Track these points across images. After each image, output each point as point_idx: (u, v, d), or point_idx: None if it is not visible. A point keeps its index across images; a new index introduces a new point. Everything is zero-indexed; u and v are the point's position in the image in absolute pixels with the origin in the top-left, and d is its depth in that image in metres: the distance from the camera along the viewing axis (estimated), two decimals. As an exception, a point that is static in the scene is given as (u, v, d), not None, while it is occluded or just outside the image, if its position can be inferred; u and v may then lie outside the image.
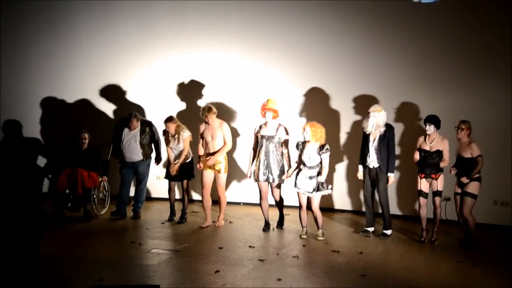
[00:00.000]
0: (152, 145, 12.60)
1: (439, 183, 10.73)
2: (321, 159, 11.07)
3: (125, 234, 11.46)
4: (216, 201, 12.20)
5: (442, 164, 10.68)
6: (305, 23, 12.93)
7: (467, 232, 10.75)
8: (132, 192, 12.82)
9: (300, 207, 11.34)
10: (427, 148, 10.71)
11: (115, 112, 13.88)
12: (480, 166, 10.53)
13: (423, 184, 10.83)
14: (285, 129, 11.62)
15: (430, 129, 10.69)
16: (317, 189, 11.08)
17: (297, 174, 11.22)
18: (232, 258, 10.05)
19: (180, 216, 12.38)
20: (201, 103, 13.28)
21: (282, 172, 11.56)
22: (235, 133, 13.03)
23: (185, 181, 12.36)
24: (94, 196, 12.59)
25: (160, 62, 13.74)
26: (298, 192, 11.25)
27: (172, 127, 12.12)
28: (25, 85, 14.27)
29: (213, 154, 11.82)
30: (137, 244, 10.72)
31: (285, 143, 11.60)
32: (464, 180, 10.55)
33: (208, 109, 11.82)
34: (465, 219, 10.66)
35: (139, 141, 12.40)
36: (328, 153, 11.09)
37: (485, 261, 10.07)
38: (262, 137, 11.60)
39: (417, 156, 10.86)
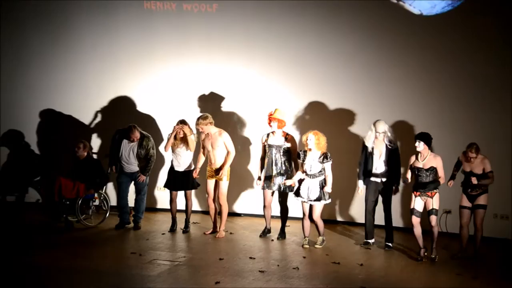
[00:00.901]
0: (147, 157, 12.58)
1: (434, 201, 10.61)
2: (323, 168, 11.12)
3: (125, 245, 11.45)
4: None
5: (440, 181, 10.58)
6: (308, 34, 12.94)
7: (475, 244, 10.73)
8: (131, 203, 12.81)
9: (303, 216, 11.39)
10: (420, 166, 10.62)
11: (117, 122, 13.78)
12: (491, 181, 10.58)
13: (417, 203, 10.67)
14: (293, 138, 11.68)
15: (420, 146, 10.56)
16: (320, 198, 11.12)
17: (300, 183, 11.27)
18: (233, 269, 10.05)
19: (184, 225, 12.38)
20: (204, 112, 13.29)
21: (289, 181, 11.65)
22: (241, 143, 13.03)
23: (188, 192, 12.37)
24: (78, 206, 12.57)
25: (163, 72, 13.73)
26: (301, 202, 11.30)
27: (185, 130, 12.09)
28: (26, 95, 14.25)
29: (219, 169, 11.86)
30: (137, 254, 10.71)
31: (294, 151, 11.64)
32: (473, 180, 10.50)
33: (202, 118, 11.86)
34: (477, 230, 10.67)
35: (136, 153, 12.41)
36: (331, 162, 11.14)
37: (485, 274, 10.07)
38: (270, 146, 11.67)
39: (409, 174, 10.76)
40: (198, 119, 11.88)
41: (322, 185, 11.17)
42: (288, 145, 11.65)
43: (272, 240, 11.83)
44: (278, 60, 13.16)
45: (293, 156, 11.67)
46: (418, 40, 12.33)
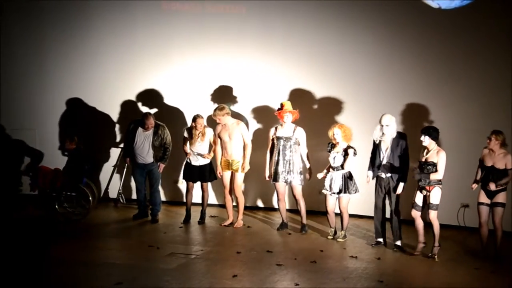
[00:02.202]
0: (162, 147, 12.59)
1: (432, 196, 10.44)
2: (346, 157, 11.17)
3: (143, 238, 11.49)
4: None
5: (433, 176, 10.39)
6: (326, 27, 12.91)
7: (495, 244, 10.51)
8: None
9: (327, 209, 11.44)
10: (423, 160, 10.56)
11: (137, 116, 13.78)
12: (510, 178, 10.41)
13: (418, 197, 10.56)
14: (301, 130, 11.75)
15: (425, 140, 10.45)
16: (346, 190, 11.18)
17: (325, 176, 11.38)
18: (250, 263, 10.07)
19: (200, 217, 12.44)
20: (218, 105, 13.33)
21: (300, 173, 11.73)
22: (258, 135, 13.03)
23: (204, 184, 12.42)
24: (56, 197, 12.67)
25: (180, 67, 13.73)
26: (326, 195, 11.33)
27: (202, 124, 12.15)
28: (45, 92, 14.27)
29: (239, 164, 11.96)
30: (155, 248, 10.76)
31: (303, 143, 11.68)
32: (492, 186, 10.36)
33: (219, 108, 11.92)
34: (496, 228, 10.45)
35: (151, 142, 12.44)
36: (353, 155, 11.20)
37: (504, 268, 10.02)
38: (279, 138, 11.71)
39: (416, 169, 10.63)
40: (215, 110, 11.95)
41: (345, 178, 11.21)
42: (297, 136, 11.68)
43: (289, 233, 11.84)
44: (296, 53, 13.12)
45: (304, 147, 11.73)
46: (436, 34, 12.27)
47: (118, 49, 13.95)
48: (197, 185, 12.53)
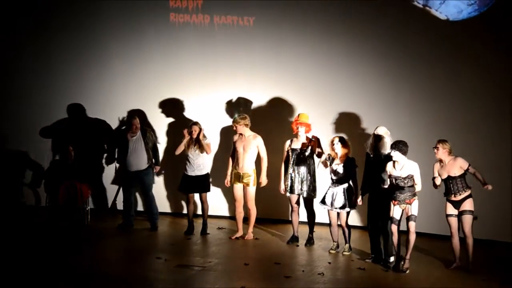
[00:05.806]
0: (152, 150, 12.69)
1: (413, 208, 10.39)
2: (348, 172, 11.13)
3: (150, 250, 11.50)
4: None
5: (416, 189, 10.36)
6: (332, 41, 12.94)
7: (467, 252, 10.43)
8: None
9: (330, 223, 11.41)
10: (398, 174, 10.46)
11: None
12: (479, 172, 10.34)
13: (396, 211, 10.44)
14: (316, 141, 11.71)
15: (395, 155, 10.40)
16: (345, 205, 11.15)
17: (326, 191, 11.32)
18: (258, 275, 10.09)
19: (202, 228, 12.43)
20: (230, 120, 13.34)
21: (313, 185, 11.74)
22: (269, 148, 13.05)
23: (203, 194, 12.40)
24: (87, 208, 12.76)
25: (187, 76, 13.74)
26: (328, 210, 11.31)
27: (197, 130, 12.16)
28: (52, 104, 14.33)
29: (262, 177, 12.06)
30: (163, 259, 10.76)
31: (319, 154, 11.66)
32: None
33: (241, 117, 11.97)
34: (467, 237, 10.39)
35: (143, 145, 12.49)
36: (356, 167, 11.17)
37: (512, 280, 10.01)
38: (293, 150, 11.71)
39: (387, 182, 10.53)
40: (236, 117, 12.01)
41: (346, 192, 11.19)
42: (312, 149, 11.69)
43: (297, 245, 11.83)
44: (304, 66, 13.15)
45: (319, 153, 11.63)
46: (444, 46, 12.28)
47: (127, 60, 13.98)
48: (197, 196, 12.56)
